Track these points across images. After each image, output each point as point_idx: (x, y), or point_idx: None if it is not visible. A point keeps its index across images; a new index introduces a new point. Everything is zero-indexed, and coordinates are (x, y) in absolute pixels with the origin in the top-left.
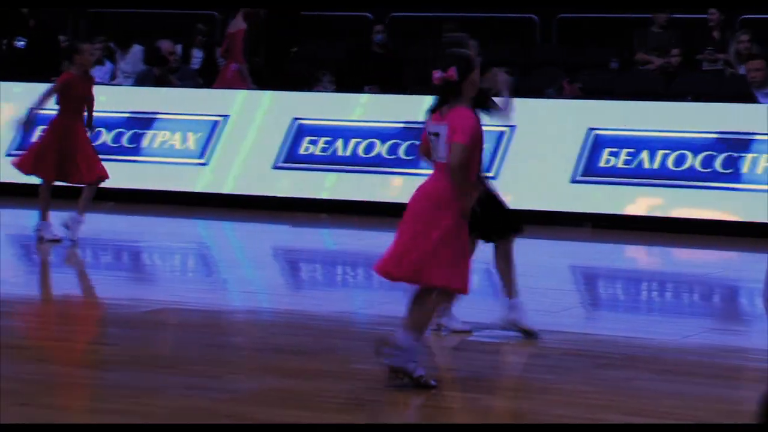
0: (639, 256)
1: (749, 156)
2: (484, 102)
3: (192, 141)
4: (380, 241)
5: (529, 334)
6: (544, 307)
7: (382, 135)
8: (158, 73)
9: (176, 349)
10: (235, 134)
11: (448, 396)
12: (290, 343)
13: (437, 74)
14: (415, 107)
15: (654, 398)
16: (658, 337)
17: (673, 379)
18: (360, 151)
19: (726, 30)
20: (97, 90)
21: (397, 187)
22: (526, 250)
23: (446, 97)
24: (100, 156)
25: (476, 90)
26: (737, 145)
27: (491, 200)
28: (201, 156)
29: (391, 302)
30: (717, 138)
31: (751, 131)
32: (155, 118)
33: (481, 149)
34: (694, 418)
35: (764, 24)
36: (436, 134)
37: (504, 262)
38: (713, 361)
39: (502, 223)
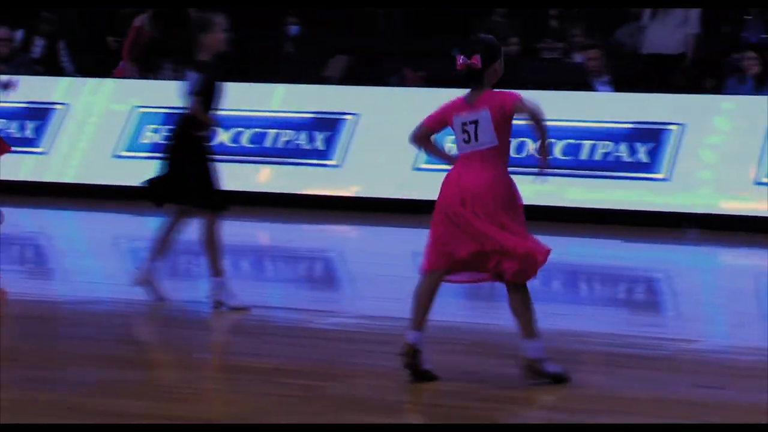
0: None
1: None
2: None
3: (30, 129)
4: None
5: (239, 310)
6: (392, 295)
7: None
8: None
9: (17, 341)
10: (76, 123)
11: (291, 384)
12: (132, 333)
13: (460, 59)
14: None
15: (493, 381)
16: (501, 323)
17: (511, 363)
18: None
19: (564, 20)
20: None
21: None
22: (377, 238)
23: (468, 83)
24: None
25: (498, 78)
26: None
27: (207, 173)
28: (39, 145)
29: (239, 293)
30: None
31: (590, 119)
32: None
33: None
34: (533, 400)
35: (598, 15)
36: (474, 122)
37: (210, 240)
38: (552, 345)
39: (209, 198)
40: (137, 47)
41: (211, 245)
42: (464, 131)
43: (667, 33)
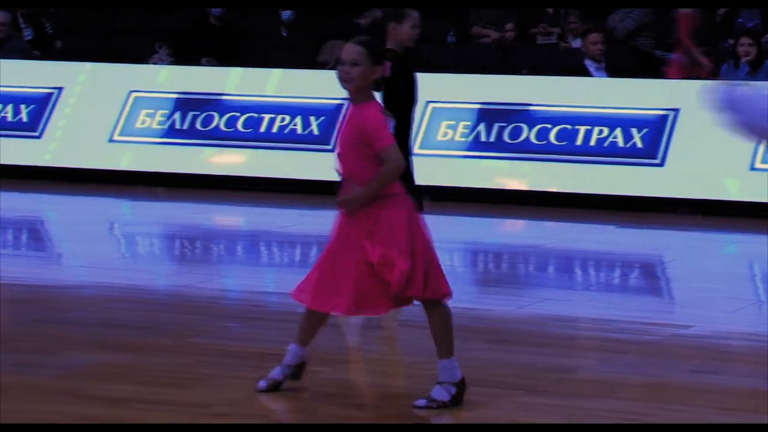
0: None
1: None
2: None
3: (24, 114)
4: (214, 215)
5: None
6: None
7: (222, 108)
8: None
9: (9, 325)
10: (72, 107)
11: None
12: (126, 318)
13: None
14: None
15: (488, 368)
16: (495, 308)
17: (508, 348)
18: (198, 124)
19: (559, 5)
20: None
21: (229, 161)
22: None
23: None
24: None
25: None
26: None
27: None
28: (34, 129)
29: (229, 276)
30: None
31: (588, 104)
32: None
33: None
34: (527, 386)
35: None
36: None
37: None
38: (545, 330)
39: None
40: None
41: None
42: None
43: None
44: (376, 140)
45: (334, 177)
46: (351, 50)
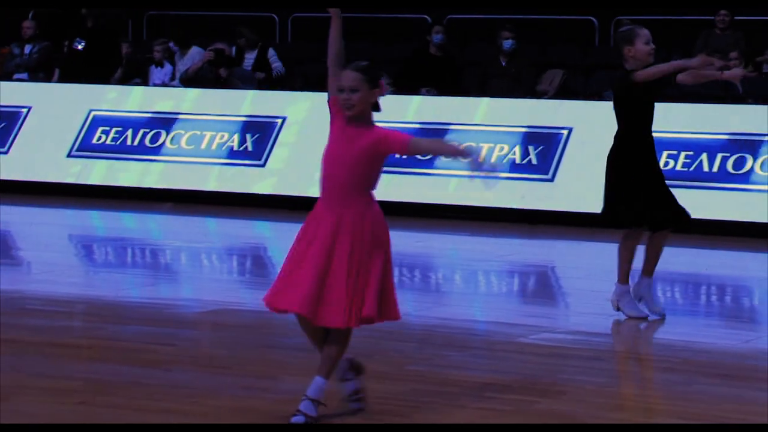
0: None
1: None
2: None
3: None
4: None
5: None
6: (601, 311)
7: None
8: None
9: (232, 350)
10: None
11: (502, 399)
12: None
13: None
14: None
15: (712, 403)
16: (717, 342)
17: (732, 383)
18: None
19: None
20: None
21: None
22: (585, 252)
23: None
24: None
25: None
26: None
27: None
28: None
29: (446, 305)
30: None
31: None
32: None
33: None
34: (752, 423)
35: None
36: None
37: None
38: None
39: None
40: None
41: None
42: None
43: None
44: (401, 143)
45: (558, 206)
46: (349, 77)
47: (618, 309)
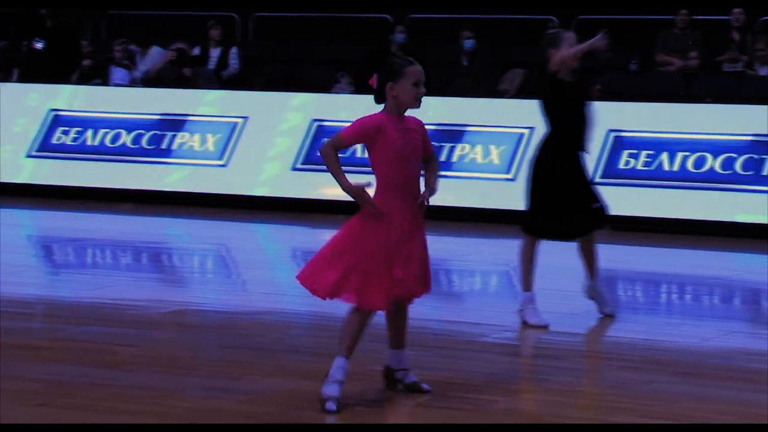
0: (654, 258)
1: None
2: None
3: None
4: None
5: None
6: (564, 310)
7: None
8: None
9: (195, 350)
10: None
11: (465, 398)
12: (309, 344)
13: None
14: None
15: (673, 401)
16: (678, 340)
17: (693, 382)
18: None
19: (746, 31)
20: None
21: None
22: (553, 251)
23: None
24: None
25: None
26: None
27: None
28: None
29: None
30: (738, 140)
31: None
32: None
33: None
34: (714, 421)
35: None
36: None
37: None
38: (734, 363)
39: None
40: None
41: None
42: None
43: None
44: (430, 143)
45: (517, 206)
46: (422, 72)
47: (522, 318)
